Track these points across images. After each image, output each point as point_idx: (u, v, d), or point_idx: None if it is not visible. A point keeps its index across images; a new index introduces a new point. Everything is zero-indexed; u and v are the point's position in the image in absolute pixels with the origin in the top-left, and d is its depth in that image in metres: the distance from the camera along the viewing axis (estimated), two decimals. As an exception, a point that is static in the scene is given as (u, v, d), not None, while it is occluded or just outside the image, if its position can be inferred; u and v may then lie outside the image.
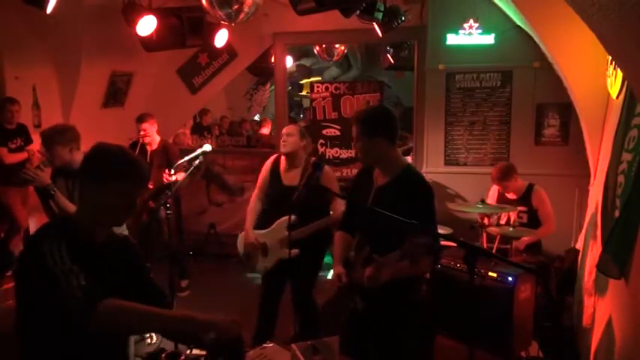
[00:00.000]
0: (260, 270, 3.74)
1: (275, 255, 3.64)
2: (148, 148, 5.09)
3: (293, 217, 3.44)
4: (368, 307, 2.50)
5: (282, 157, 3.71)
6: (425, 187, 2.57)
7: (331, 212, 3.56)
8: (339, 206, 3.43)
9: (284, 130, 3.67)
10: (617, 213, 2.85)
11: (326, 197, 3.53)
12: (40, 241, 1.70)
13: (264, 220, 3.73)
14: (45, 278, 1.63)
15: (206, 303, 4.98)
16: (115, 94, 6.04)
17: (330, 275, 5.32)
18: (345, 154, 6.58)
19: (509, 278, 3.27)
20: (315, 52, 8.69)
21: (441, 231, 4.37)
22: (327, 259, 3.84)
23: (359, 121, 2.59)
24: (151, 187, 4.41)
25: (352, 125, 2.63)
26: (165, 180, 4.68)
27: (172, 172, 4.39)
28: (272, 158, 3.81)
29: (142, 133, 5.01)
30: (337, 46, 8.29)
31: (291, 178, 3.61)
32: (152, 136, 5.08)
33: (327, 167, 3.64)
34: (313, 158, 3.68)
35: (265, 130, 9.67)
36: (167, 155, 5.00)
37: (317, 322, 3.76)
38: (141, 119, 5.05)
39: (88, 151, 1.88)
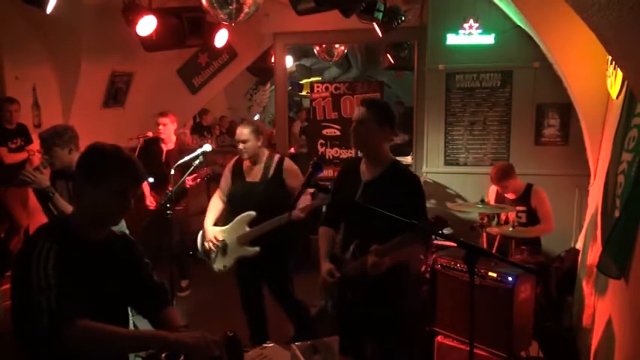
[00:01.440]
0: (219, 269, 3.68)
1: (234, 253, 3.59)
2: (164, 147, 5.10)
3: (253, 213, 3.47)
4: (365, 295, 2.57)
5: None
6: (415, 178, 2.71)
7: (293, 211, 3.46)
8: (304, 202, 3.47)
9: (237, 136, 3.51)
10: (617, 213, 2.85)
11: (290, 194, 3.42)
12: (31, 247, 1.69)
13: (229, 218, 3.68)
14: (23, 291, 1.64)
15: (206, 303, 4.98)
16: (115, 94, 6.04)
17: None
18: (345, 154, 6.57)
19: (509, 278, 3.26)
20: (315, 52, 8.69)
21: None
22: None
23: (373, 106, 2.62)
24: (170, 188, 4.33)
25: (358, 108, 2.63)
26: (187, 184, 4.66)
27: (172, 172, 4.38)
28: (234, 159, 3.75)
29: (160, 127, 5.02)
30: (337, 46, 8.29)
31: (254, 174, 3.58)
32: (169, 133, 5.08)
33: (289, 162, 3.60)
34: (280, 156, 3.66)
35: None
36: (182, 156, 4.98)
37: (306, 318, 3.76)
38: (162, 114, 5.07)
39: (83, 151, 1.88)
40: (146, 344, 1.71)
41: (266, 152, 3.59)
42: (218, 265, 3.68)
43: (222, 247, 3.64)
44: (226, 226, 3.64)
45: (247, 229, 3.53)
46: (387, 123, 2.60)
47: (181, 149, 5.03)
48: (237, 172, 3.65)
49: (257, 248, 3.49)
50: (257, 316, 3.77)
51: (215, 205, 3.76)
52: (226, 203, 3.72)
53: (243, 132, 3.48)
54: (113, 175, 1.78)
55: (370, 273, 2.42)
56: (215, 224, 3.73)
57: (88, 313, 1.65)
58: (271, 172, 3.51)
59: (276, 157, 3.60)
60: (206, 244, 3.69)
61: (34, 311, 1.59)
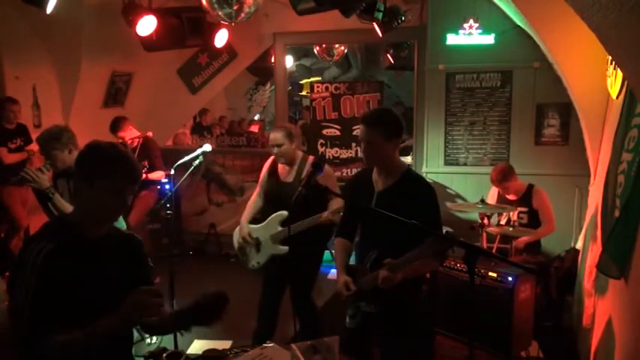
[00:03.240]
0: (253, 265, 3.74)
1: (268, 250, 3.65)
2: (129, 145, 5.16)
3: (285, 212, 3.51)
4: (381, 310, 2.53)
5: None
6: (429, 187, 2.62)
7: (324, 214, 3.46)
8: (336, 204, 3.41)
9: (271, 141, 3.55)
10: (617, 213, 2.85)
11: (324, 196, 3.46)
12: (24, 251, 1.75)
13: (262, 216, 3.75)
14: (12, 296, 1.73)
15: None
16: (115, 94, 6.05)
17: (330, 275, 5.32)
18: (345, 154, 6.58)
19: (509, 278, 3.27)
20: (315, 52, 8.69)
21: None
22: (326, 256, 3.83)
23: (376, 123, 2.54)
24: None
25: (362, 127, 2.55)
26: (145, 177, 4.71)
27: (172, 171, 4.38)
28: (270, 159, 3.80)
29: (120, 142, 5.07)
30: (337, 46, 8.29)
31: (288, 175, 3.63)
32: (131, 136, 5.15)
33: (326, 166, 3.63)
34: (313, 157, 3.66)
35: (254, 128, 9.85)
36: (146, 151, 5.05)
37: (316, 322, 3.75)
38: (114, 129, 5.11)
39: (81, 150, 1.90)
40: (113, 330, 1.74)
41: (299, 154, 3.63)
42: (253, 261, 3.75)
43: (256, 245, 3.71)
44: (260, 224, 3.70)
45: (279, 228, 3.60)
46: (395, 135, 2.56)
47: (144, 144, 5.11)
48: (272, 172, 3.71)
49: (287, 247, 3.53)
50: (271, 315, 3.73)
51: (253, 203, 3.83)
52: (263, 201, 3.79)
53: (277, 137, 3.51)
54: (108, 174, 1.79)
55: (381, 286, 2.39)
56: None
57: (85, 314, 1.68)
58: (303, 174, 3.51)
59: (310, 159, 3.61)
60: (240, 240, 3.76)
61: (17, 319, 1.69)
